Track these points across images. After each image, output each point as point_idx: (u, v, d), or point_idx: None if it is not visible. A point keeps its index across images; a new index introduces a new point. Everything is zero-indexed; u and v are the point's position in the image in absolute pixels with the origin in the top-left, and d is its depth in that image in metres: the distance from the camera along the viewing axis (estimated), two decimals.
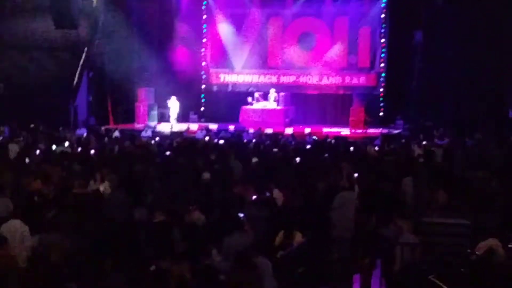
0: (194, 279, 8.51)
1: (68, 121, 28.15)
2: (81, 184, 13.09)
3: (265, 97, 29.87)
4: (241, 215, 11.02)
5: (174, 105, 29.52)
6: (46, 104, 26.91)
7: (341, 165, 15.15)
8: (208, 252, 9.85)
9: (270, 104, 29.55)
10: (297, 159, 17.32)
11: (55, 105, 27.59)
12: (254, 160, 16.88)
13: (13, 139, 21.80)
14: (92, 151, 19.34)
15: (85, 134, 24.58)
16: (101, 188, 13.40)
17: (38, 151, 19.03)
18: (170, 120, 29.38)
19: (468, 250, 10.44)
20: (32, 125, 25.32)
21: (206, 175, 14.49)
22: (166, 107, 29.96)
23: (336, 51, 30.88)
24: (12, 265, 8.95)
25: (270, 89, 30.32)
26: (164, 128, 28.51)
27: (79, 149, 20.06)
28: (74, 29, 27.52)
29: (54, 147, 19.75)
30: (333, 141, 22.66)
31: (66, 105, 28.68)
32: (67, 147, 20.07)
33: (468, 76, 27.07)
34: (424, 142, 21.97)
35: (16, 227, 10.15)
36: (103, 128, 27.93)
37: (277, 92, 30.26)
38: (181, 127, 28.23)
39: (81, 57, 29.19)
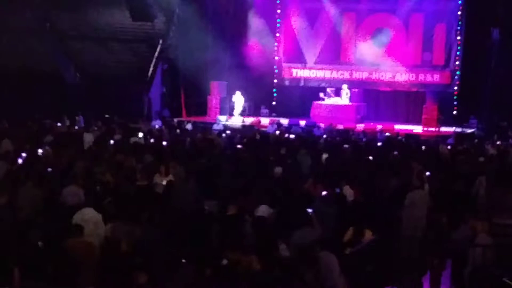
0: (263, 271, 8.57)
1: (142, 112, 28.61)
2: (143, 176, 13.28)
3: (337, 92, 29.73)
4: (309, 210, 11.03)
5: (238, 99, 29.71)
6: (121, 95, 27.46)
7: (412, 163, 15.01)
8: (277, 247, 9.88)
9: (342, 100, 29.40)
10: (369, 157, 17.20)
11: (130, 96, 28.13)
12: (325, 155, 16.85)
13: (88, 129, 22.26)
14: (165, 143, 19.65)
15: (157, 126, 24.96)
16: (164, 182, 13.35)
17: (112, 142, 19.39)
18: (233, 114, 29.51)
19: None
20: (106, 116, 25.80)
21: (278, 170, 14.50)
22: (230, 101, 30.21)
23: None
24: (91, 252, 9.15)
25: (342, 84, 30.20)
26: (236, 121, 28.66)
27: (152, 140, 20.36)
28: (150, 22, 27.99)
29: (131, 139, 20.03)
30: (403, 139, 22.42)
31: (141, 96, 29.16)
32: (141, 138, 20.37)
33: None
34: (498, 142, 21.60)
35: (89, 215, 10.35)
36: (175, 120, 28.28)
37: (349, 88, 30.10)
38: (249, 120, 28.43)
39: (156, 49, 29.62)
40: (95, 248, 9.38)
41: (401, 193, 12.50)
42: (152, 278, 8.23)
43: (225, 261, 8.73)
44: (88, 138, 19.85)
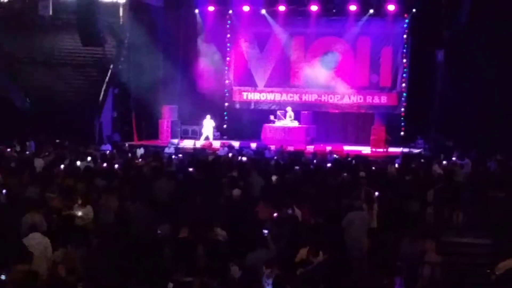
0: None
1: (93, 137, 28.52)
2: (66, 205, 13.12)
3: (285, 115, 30.05)
4: (265, 231, 11.20)
5: (208, 124, 29.78)
6: (71, 119, 27.31)
7: (360, 184, 15.26)
8: (229, 268, 10.01)
9: (289, 122, 29.70)
10: (319, 178, 17.42)
11: (81, 121, 27.99)
12: (275, 178, 17.02)
13: (39, 154, 22.10)
14: (116, 166, 19.65)
15: (109, 150, 24.90)
16: (79, 213, 12.98)
17: (62, 166, 19.30)
18: (200, 139, 29.51)
19: (488, 270, 10.52)
20: (57, 141, 25.65)
21: (236, 192, 14.55)
22: (200, 124, 30.35)
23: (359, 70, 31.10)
24: (32, 281, 9.13)
25: (294, 108, 30.61)
26: (187, 144, 28.73)
27: (104, 164, 20.32)
28: (101, 46, 27.94)
29: (78, 162, 19.99)
30: (353, 160, 22.71)
31: (92, 121, 29.06)
32: (90, 161, 20.30)
33: (489, 96, 27.08)
34: (444, 162, 22.03)
35: (37, 240, 10.43)
36: (127, 144, 28.26)
37: (298, 110, 30.50)
38: (203, 143, 28.58)
39: (107, 73, 29.60)
40: (37, 278, 9.36)
41: (344, 215, 12.72)
42: None
43: (171, 285, 8.86)
44: (39, 163, 19.71)
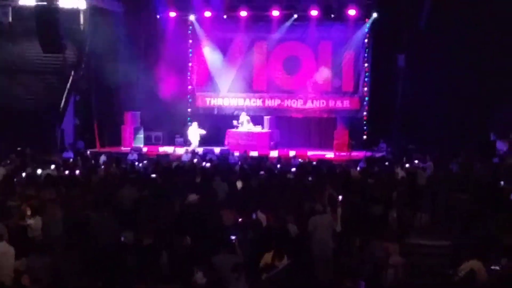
0: None
1: (55, 145, 28.25)
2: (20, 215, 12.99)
3: (251, 120, 30.01)
4: (233, 237, 11.19)
5: (194, 130, 29.39)
6: (33, 127, 27.03)
7: (324, 188, 15.30)
8: (193, 274, 9.96)
9: (252, 127, 29.69)
10: (283, 183, 17.45)
11: (42, 128, 27.72)
12: (239, 183, 17.02)
13: (0, 162, 21.85)
14: (77, 173, 19.54)
15: (71, 158, 24.70)
16: (30, 223, 12.93)
17: (24, 174, 19.11)
18: (189, 146, 28.87)
19: (450, 271, 10.61)
20: (19, 148, 25.36)
21: (193, 197, 14.57)
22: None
23: (322, 75, 31.16)
24: None
25: (258, 112, 30.80)
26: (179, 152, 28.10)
27: (66, 172, 20.16)
28: (61, 53, 27.67)
29: (39, 170, 19.81)
30: (316, 164, 22.77)
31: (53, 129, 28.77)
32: (53, 170, 20.14)
33: (450, 99, 27.42)
34: (406, 165, 22.22)
35: (2, 249, 10.31)
36: (89, 151, 28.05)
37: (262, 115, 30.61)
38: (168, 150, 28.41)
39: (68, 80, 29.31)
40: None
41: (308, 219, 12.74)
42: None
43: None
44: (0, 171, 19.50)
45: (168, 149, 28.72)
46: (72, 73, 29.42)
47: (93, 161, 23.81)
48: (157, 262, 10.35)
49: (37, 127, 27.29)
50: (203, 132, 29.27)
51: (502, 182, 17.80)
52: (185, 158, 24.88)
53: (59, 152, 26.83)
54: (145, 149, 29.09)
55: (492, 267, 10.50)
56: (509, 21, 25.80)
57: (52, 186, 16.04)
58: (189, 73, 32.61)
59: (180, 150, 27.98)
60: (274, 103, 32.00)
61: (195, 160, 23.65)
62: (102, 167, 21.55)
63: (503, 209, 14.07)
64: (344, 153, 27.99)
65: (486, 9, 26.18)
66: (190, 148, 27.87)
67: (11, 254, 10.36)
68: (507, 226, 12.62)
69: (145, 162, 23.56)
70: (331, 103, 31.33)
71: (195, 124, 29.53)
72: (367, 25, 30.30)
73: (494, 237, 11.93)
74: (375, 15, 29.82)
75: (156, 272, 9.95)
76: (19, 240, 11.41)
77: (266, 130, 30.12)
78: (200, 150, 27.46)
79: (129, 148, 28.85)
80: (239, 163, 22.84)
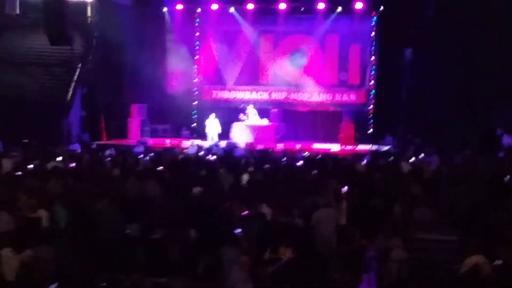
0: None
1: (61, 137, 28.32)
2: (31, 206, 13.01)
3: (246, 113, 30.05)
4: (238, 230, 11.25)
5: (212, 123, 29.54)
6: (40, 119, 27.11)
7: (329, 181, 15.33)
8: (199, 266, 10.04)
9: (259, 120, 29.74)
10: (289, 176, 17.48)
11: (48, 121, 27.79)
12: (245, 176, 17.07)
13: (7, 154, 21.94)
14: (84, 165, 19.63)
15: (78, 150, 24.79)
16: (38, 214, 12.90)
17: (31, 166, 19.19)
18: (207, 139, 29.17)
19: (454, 267, 10.63)
20: (25, 140, 25.45)
21: (197, 190, 14.60)
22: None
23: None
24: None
25: (264, 105, 30.88)
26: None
27: (73, 164, 20.24)
28: (69, 46, 27.74)
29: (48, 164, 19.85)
30: (322, 158, 22.78)
31: (60, 121, 28.84)
32: (60, 162, 20.21)
33: (456, 93, 27.38)
34: (412, 159, 22.22)
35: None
36: (95, 143, 28.13)
37: (269, 109, 30.65)
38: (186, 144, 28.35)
39: (75, 73, 29.38)
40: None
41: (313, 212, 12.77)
42: None
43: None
44: (7, 163, 19.58)
45: (187, 143, 28.40)
46: (79, 65, 29.49)
47: (99, 154, 23.86)
48: (166, 255, 10.42)
49: (43, 119, 27.36)
50: (219, 128, 29.41)
51: (508, 177, 17.77)
52: (191, 151, 24.91)
53: (65, 144, 26.90)
54: (151, 142, 29.12)
55: (496, 263, 10.52)
56: None
57: (59, 178, 16.15)
58: (195, 66, 32.64)
59: (186, 143, 27.96)
60: (280, 96, 32.01)
61: (200, 154, 23.68)
62: (109, 159, 21.63)
63: (507, 204, 14.06)
64: (350, 147, 27.99)
65: (494, 2, 26.11)
66: (208, 141, 28.01)
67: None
68: (510, 220, 12.62)
69: (151, 154, 23.59)
70: (337, 97, 31.33)
71: (212, 116, 29.58)
72: (374, 18, 30.28)
73: (498, 231, 11.94)
74: (382, 8, 29.80)
75: (164, 265, 10.03)
76: (28, 232, 11.47)
77: (272, 123, 30.13)
78: (223, 143, 27.44)
79: (135, 141, 28.89)
80: (245, 156, 22.86)
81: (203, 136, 29.66)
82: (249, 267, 9.77)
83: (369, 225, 12.43)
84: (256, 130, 29.42)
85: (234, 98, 32.43)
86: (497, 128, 26.73)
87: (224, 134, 29.59)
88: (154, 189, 15.36)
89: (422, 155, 23.14)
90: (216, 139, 28.99)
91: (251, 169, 18.23)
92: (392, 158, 22.87)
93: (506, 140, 25.74)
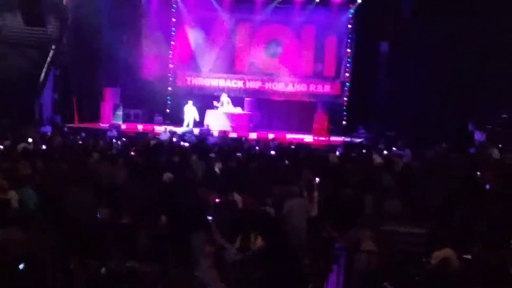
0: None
1: (33, 118, 28.07)
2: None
3: (232, 102, 30.01)
4: (209, 218, 11.21)
5: (190, 110, 29.50)
6: (11, 100, 26.79)
7: (301, 171, 15.33)
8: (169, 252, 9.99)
9: (232, 108, 29.71)
10: (261, 165, 17.46)
11: (20, 102, 27.49)
12: (218, 163, 17.01)
13: None
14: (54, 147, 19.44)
15: (49, 132, 24.57)
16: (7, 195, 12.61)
17: (1, 147, 18.98)
18: (183, 125, 29.16)
19: (423, 259, 10.68)
20: None
21: (168, 176, 14.51)
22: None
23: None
24: None
25: (238, 94, 30.88)
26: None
27: (43, 146, 20.05)
28: (43, 27, 27.44)
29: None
30: (294, 148, 22.82)
31: (32, 102, 28.59)
32: (30, 143, 20.01)
33: (430, 88, 27.54)
34: (385, 152, 22.30)
35: None
36: (67, 126, 27.92)
37: (243, 97, 30.63)
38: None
39: (48, 54, 29.09)
40: None
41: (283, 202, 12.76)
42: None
43: (103, 270, 8.81)
44: None
45: (159, 129, 28.19)
46: (53, 47, 29.19)
47: (71, 137, 23.67)
48: (134, 241, 10.35)
49: (16, 100, 27.05)
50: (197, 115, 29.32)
51: (478, 173, 17.90)
52: (163, 136, 24.79)
53: (37, 125, 26.65)
54: (123, 126, 28.94)
55: (464, 256, 10.58)
56: (492, 11, 25.88)
57: (29, 159, 15.97)
58: (171, 52, 32.47)
59: (159, 128, 27.84)
60: (255, 85, 32.01)
61: (173, 140, 23.58)
62: (80, 142, 21.47)
63: (477, 199, 14.16)
64: (323, 138, 28.04)
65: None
66: (183, 127, 27.90)
67: None
68: (480, 215, 12.71)
69: (123, 139, 23.45)
70: (312, 87, 31.42)
71: (190, 103, 29.48)
72: (351, 10, 30.34)
73: (467, 226, 12.02)
74: (359, 0, 29.87)
75: (133, 251, 9.96)
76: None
77: (246, 112, 30.11)
78: (196, 130, 27.36)
79: (107, 125, 28.69)
80: (218, 143, 22.80)
81: (176, 123, 29.55)
82: (214, 255, 9.73)
83: (340, 215, 12.45)
84: (230, 118, 29.36)
85: (209, 85, 32.35)
86: (469, 124, 26.93)
87: (199, 121, 29.48)
88: (126, 173, 15.25)
89: (394, 148, 23.24)
90: (191, 126, 28.89)
91: (223, 157, 18.17)
92: (364, 150, 22.93)
93: (478, 136, 25.95)
